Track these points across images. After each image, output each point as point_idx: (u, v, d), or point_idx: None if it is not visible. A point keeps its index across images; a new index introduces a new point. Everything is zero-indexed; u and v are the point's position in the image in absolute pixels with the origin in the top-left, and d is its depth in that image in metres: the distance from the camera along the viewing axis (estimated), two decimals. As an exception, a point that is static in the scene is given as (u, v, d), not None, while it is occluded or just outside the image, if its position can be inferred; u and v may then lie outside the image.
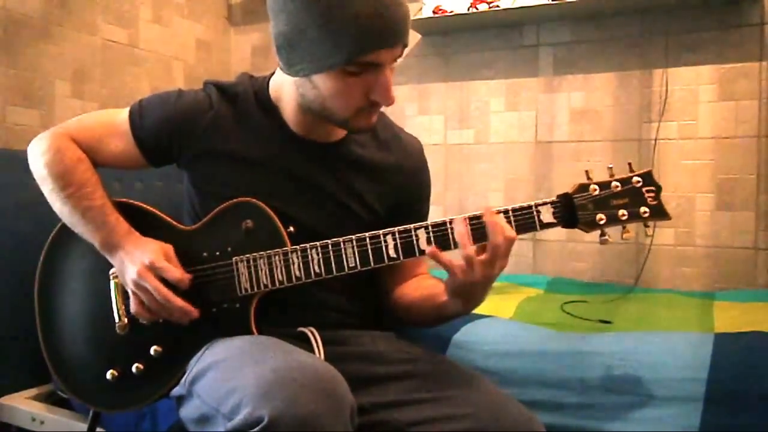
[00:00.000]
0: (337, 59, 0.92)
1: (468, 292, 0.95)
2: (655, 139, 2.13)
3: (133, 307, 1.02)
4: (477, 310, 1.51)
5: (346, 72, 0.93)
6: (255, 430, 0.76)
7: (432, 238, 0.96)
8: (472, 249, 0.91)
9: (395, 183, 1.14)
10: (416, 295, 1.10)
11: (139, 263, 0.99)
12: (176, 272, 1.00)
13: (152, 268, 0.99)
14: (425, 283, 1.13)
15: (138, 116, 1.11)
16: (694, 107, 2.10)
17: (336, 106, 0.98)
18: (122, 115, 1.13)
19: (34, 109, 1.98)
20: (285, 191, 1.07)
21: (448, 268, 0.93)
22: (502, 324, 1.42)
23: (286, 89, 1.05)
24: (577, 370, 1.19)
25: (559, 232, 2.28)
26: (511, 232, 0.91)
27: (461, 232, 0.92)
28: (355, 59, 0.91)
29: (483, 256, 0.90)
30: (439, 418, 0.91)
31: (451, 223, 0.95)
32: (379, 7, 0.89)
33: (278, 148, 1.08)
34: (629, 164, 0.99)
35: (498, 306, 1.68)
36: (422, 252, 0.96)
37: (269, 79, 1.11)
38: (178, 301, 0.99)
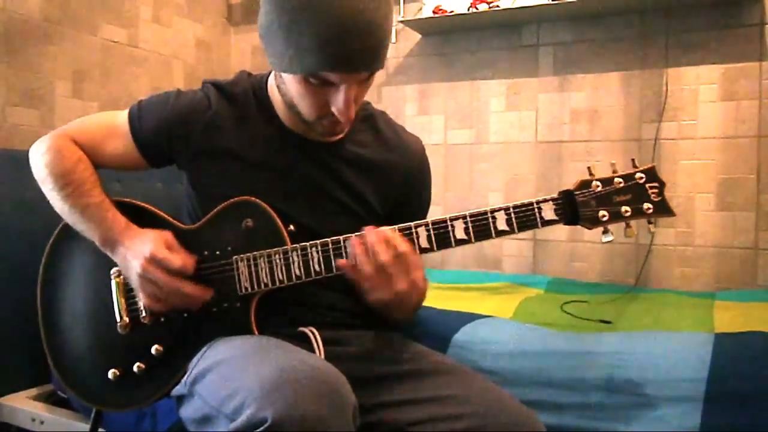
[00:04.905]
0: (296, 69, 0.92)
1: (384, 306, 0.97)
2: (656, 139, 2.13)
3: (144, 300, 1.02)
4: (477, 310, 1.52)
5: (307, 80, 0.94)
6: (258, 430, 0.76)
7: (432, 236, 0.96)
8: (372, 272, 0.92)
9: (395, 182, 1.14)
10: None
11: (141, 257, 0.99)
12: (178, 260, 0.99)
13: (154, 260, 0.98)
14: None
15: (137, 118, 1.11)
16: (695, 107, 2.10)
17: (300, 106, 0.99)
18: (122, 116, 1.13)
19: (34, 109, 1.98)
20: (284, 190, 1.07)
21: (361, 284, 0.95)
22: (502, 324, 1.42)
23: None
24: (577, 370, 1.19)
25: (559, 232, 2.28)
26: (383, 256, 0.92)
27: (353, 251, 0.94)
28: (312, 74, 0.92)
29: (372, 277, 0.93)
30: (439, 418, 0.92)
31: (452, 221, 0.95)
32: (342, 33, 0.87)
33: (277, 148, 1.08)
34: (632, 160, 0.98)
35: (498, 306, 1.68)
36: (423, 250, 0.96)
37: (267, 77, 1.11)
38: (189, 286, 0.99)
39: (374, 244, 0.92)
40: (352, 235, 0.97)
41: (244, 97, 1.10)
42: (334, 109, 0.95)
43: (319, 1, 0.86)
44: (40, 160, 1.10)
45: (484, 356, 1.27)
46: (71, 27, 2.10)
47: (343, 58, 0.89)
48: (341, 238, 0.98)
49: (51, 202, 1.10)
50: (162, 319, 1.05)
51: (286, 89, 1.00)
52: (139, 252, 1.00)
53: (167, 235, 1.03)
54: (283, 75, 0.98)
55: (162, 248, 1.00)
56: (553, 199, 0.95)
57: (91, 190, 1.07)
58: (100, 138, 1.13)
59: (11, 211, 1.67)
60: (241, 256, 1.02)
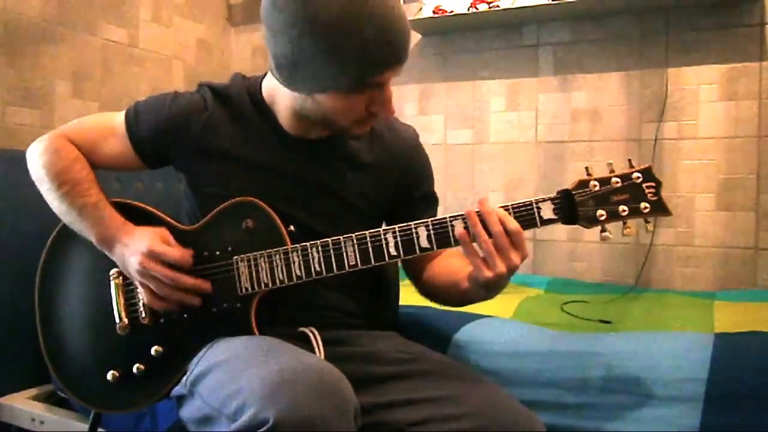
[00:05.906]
0: (343, 84, 0.94)
1: (490, 283, 0.95)
2: (656, 139, 2.13)
3: (146, 298, 1.02)
4: (477, 310, 1.52)
5: (351, 92, 0.95)
6: (260, 431, 0.76)
7: (432, 236, 0.96)
8: (489, 242, 0.92)
9: (392, 173, 1.14)
10: (442, 282, 1.11)
11: (138, 253, 1.00)
12: (175, 253, 1.00)
13: (152, 255, 0.99)
14: (450, 265, 1.12)
15: (134, 119, 1.12)
16: (695, 107, 2.10)
17: (336, 120, 1.00)
18: (119, 117, 1.13)
19: (34, 109, 1.98)
20: (281, 190, 1.07)
21: (471, 260, 0.93)
22: (502, 324, 1.42)
23: (281, 95, 1.05)
24: (577, 370, 1.19)
25: (559, 232, 2.28)
26: (497, 227, 0.92)
27: (474, 222, 0.93)
28: (361, 83, 0.94)
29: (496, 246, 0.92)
30: (439, 418, 0.92)
31: (452, 220, 0.95)
32: (384, 34, 0.90)
33: (273, 148, 1.08)
34: (629, 160, 0.99)
35: (498, 306, 1.68)
36: (423, 249, 0.96)
37: (262, 80, 1.11)
38: (188, 279, 1.00)
39: (489, 215, 0.92)
40: (356, 234, 0.97)
41: (240, 99, 1.10)
42: (376, 109, 0.99)
43: (356, 12, 0.87)
44: (37, 161, 1.11)
45: (484, 356, 1.27)
46: (71, 27, 2.10)
47: (392, 55, 0.93)
48: (341, 238, 0.98)
49: (48, 202, 1.10)
50: (161, 320, 1.05)
51: (316, 108, 1.00)
52: (137, 248, 1.00)
53: (163, 230, 1.04)
54: (316, 96, 0.98)
55: (159, 242, 1.00)
56: (551, 199, 0.96)
57: (87, 189, 1.08)
58: (96, 138, 1.13)
59: (11, 211, 1.67)
60: (242, 256, 1.02)
